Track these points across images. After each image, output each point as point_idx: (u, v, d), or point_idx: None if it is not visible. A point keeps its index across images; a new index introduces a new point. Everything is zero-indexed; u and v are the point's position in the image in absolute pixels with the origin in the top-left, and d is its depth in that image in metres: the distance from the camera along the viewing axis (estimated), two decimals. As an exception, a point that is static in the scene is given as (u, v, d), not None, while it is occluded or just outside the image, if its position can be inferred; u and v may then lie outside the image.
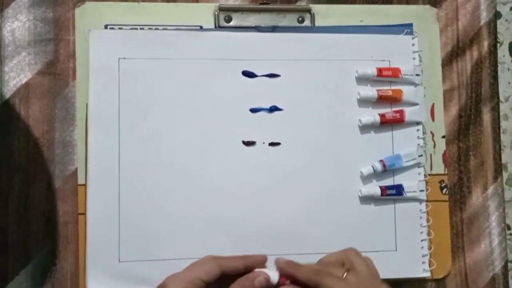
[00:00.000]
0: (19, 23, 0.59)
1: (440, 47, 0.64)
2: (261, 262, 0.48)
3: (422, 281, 0.61)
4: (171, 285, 0.44)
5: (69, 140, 0.58)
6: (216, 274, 0.46)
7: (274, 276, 0.49)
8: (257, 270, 0.47)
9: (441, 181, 0.62)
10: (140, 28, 0.59)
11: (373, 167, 0.59)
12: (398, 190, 0.60)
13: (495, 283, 0.63)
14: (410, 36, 0.62)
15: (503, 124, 0.66)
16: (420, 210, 0.61)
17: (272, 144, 0.59)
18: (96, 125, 0.57)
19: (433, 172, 0.62)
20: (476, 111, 0.64)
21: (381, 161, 0.60)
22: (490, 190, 0.64)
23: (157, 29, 0.59)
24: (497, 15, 0.66)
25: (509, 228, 0.65)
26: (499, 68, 0.65)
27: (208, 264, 0.46)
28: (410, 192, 0.60)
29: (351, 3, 0.63)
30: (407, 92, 0.61)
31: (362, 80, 0.61)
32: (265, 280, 0.46)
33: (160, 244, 0.57)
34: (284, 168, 0.59)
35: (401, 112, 0.61)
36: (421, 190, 0.61)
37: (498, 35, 0.66)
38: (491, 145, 0.64)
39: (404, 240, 0.60)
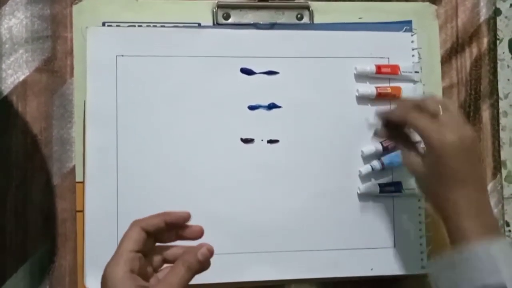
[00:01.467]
0: (17, 20, 0.58)
1: (439, 44, 0.63)
2: (183, 218, 0.46)
3: (420, 277, 0.61)
4: (109, 271, 0.43)
5: (67, 137, 0.58)
6: (142, 237, 0.44)
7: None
8: (202, 243, 0.45)
9: (440, 178, 0.62)
10: (138, 25, 0.58)
11: (371, 166, 0.59)
12: (396, 187, 0.60)
13: (494, 280, 0.62)
14: (409, 33, 0.62)
15: (503, 121, 0.65)
16: (419, 207, 0.61)
17: (270, 141, 0.59)
18: (94, 122, 0.57)
19: (432, 169, 0.62)
20: (476, 108, 0.64)
21: (379, 159, 0.59)
22: (489, 187, 0.64)
23: (155, 26, 0.59)
24: (497, 12, 0.66)
25: (508, 225, 0.65)
26: (498, 65, 0.65)
27: (133, 232, 0.44)
28: (409, 189, 0.60)
29: (350, 0, 0.63)
30: (406, 89, 0.61)
31: (361, 77, 0.61)
32: (208, 251, 0.44)
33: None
34: (282, 165, 0.59)
35: (400, 109, 0.60)
36: (419, 187, 0.61)
37: (498, 32, 0.66)
38: (490, 142, 0.64)
39: (403, 237, 0.60)
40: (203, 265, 0.44)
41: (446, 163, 0.49)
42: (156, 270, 0.47)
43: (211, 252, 0.44)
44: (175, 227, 0.46)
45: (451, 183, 0.49)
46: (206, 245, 0.45)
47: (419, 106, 0.51)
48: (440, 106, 0.51)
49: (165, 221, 0.46)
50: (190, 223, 0.47)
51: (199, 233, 0.47)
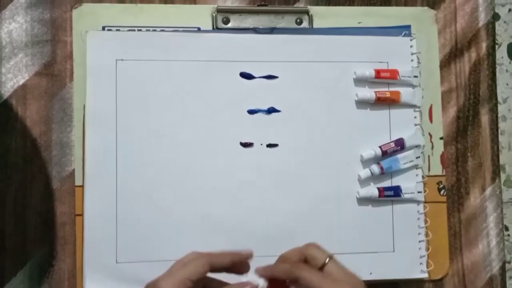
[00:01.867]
0: (16, 25, 0.59)
1: (438, 48, 0.63)
2: (248, 258, 0.48)
3: (419, 282, 0.61)
4: (160, 283, 0.44)
5: (66, 141, 0.58)
6: (205, 272, 0.46)
7: (262, 284, 0.49)
8: (245, 280, 0.46)
9: (439, 182, 0.62)
10: (138, 30, 0.59)
11: (370, 170, 0.59)
12: (396, 192, 0.60)
13: (493, 284, 0.63)
14: (408, 38, 0.62)
15: (501, 125, 0.66)
16: (418, 211, 0.61)
17: (270, 145, 0.59)
18: (93, 126, 0.57)
19: (431, 173, 0.62)
20: (474, 113, 0.64)
21: (378, 163, 0.60)
22: (488, 191, 0.64)
23: (154, 30, 0.59)
24: (496, 16, 0.66)
25: (507, 229, 0.65)
26: (497, 70, 0.65)
27: (199, 263, 0.46)
28: (408, 193, 0.60)
29: (349, 4, 0.63)
30: (405, 93, 0.61)
31: (360, 81, 0.61)
32: None
33: (157, 245, 0.57)
34: (281, 169, 0.59)
35: (399, 113, 0.61)
36: (419, 192, 0.61)
37: (497, 37, 0.66)
38: (489, 146, 0.64)
39: (402, 241, 0.60)
40: None
41: None
42: None
43: None
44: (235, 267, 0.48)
45: None
46: (250, 283, 0.46)
47: (303, 257, 0.49)
48: (324, 255, 0.48)
49: (232, 261, 0.47)
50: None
51: (249, 258, 0.48)
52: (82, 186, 0.56)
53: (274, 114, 0.59)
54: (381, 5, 0.63)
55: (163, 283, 0.44)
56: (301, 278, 0.46)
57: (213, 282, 0.48)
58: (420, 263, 0.60)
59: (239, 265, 0.48)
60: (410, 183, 0.61)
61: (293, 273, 0.47)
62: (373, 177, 0.60)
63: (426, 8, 0.64)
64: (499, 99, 0.66)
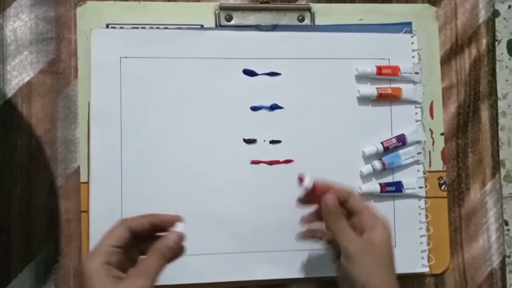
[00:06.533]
0: (21, 22, 0.59)
1: (439, 45, 0.64)
2: (170, 221, 0.46)
3: (421, 276, 0.62)
4: (86, 263, 0.43)
5: (71, 138, 0.58)
6: (126, 235, 0.45)
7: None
8: (172, 230, 0.46)
9: (439, 178, 0.63)
10: (142, 27, 0.59)
11: (372, 166, 0.60)
12: (397, 187, 0.60)
13: (493, 278, 0.63)
14: (409, 35, 0.62)
15: (501, 121, 0.66)
16: (419, 207, 0.61)
17: (273, 142, 0.59)
18: (98, 123, 0.57)
19: (432, 169, 0.62)
20: (475, 109, 0.65)
21: (380, 159, 0.60)
22: (488, 186, 0.64)
23: (158, 28, 0.59)
24: (495, 13, 0.66)
25: (506, 224, 0.65)
26: (497, 66, 0.66)
27: (117, 229, 0.45)
28: (409, 188, 0.61)
29: (351, 2, 0.63)
30: (407, 90, 0.61)
31: (361, 78, 0.61)
32: (178, 237, 0.45)
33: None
34: (284, 165, 0.59)
35: (400, 109, 0.61)
36: (420, 187, 0.61)
37: (497, 33, 0.66)
38: (489, 142, 0.65)
39: (403, 236, 0.61)
40: (175, 251, 0.45)
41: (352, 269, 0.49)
42: (134, 262, 0.47)
43: (181, 239, 0.45)
44: (160, 229, 0.47)
45: None
46: (176, 232, 0.45)
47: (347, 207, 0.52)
48: (369, 223, 0.50)
49: (151, 223, 0.46)
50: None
51: (172, 222, 0.47)
52: (87, 183, 0.57)
53: (277, 111, 0.60)
54: (382, 2, 0.64)
55: (87, 258, 0.44)
56: (338, 240, 0.50)
57: (147, 241, 0.46)
58: (421, 258, 0.61)
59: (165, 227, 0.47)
60: (411, 179, 0.61)
61: (333, 228, 0.50)
62: (375, 173, 0.60)
63: (426, 5, 0.64)
64: (499, 95, 0.66)
